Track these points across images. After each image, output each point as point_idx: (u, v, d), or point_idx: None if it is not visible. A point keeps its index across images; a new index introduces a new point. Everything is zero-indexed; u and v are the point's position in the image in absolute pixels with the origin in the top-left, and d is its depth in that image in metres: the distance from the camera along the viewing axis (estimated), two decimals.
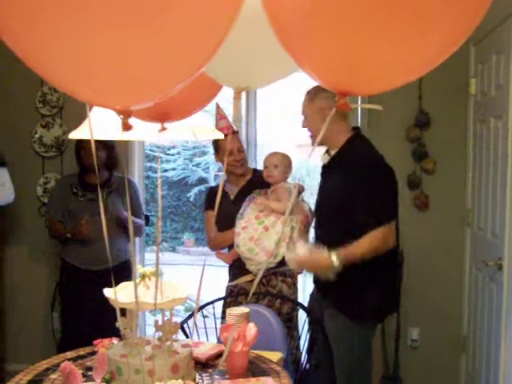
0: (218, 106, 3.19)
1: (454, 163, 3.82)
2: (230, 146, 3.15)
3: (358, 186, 2.43)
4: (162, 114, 1.64)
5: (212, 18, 1.09)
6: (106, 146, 3.60)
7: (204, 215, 3.45)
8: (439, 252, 3.85)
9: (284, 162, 3.05)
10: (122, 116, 1.19)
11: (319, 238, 2.70)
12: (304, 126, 2.66)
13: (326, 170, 2.66)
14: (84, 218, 3.48)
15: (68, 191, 3.67)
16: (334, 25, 1.09)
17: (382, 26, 1.08)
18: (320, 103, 2.55)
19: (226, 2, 1.10)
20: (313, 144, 2.69)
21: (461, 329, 3.85)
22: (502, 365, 2.97)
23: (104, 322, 3.42)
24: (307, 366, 2.74)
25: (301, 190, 3.06)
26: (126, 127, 1.20)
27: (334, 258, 2.38)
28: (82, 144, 3.61)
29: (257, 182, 3.21)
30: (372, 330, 2.64)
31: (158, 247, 1.61)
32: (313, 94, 2.60)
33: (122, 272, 3.64)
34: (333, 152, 2.61)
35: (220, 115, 3.15)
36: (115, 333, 2.41)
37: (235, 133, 3.21)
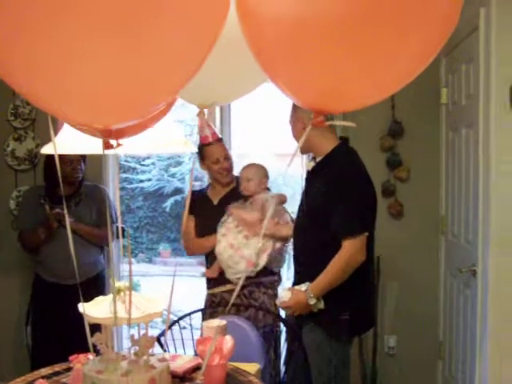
0: (201, 114, 3.15)
1: (428, 171, 3.87)
2: (216, 154, 3.12)
3: (335, 195, 2.45)
4: (114, 132, 1.62)
5: (195, 37, 1.09)
6: (84, 157, 3.59)
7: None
8: (414, 259, 3.89)
9: (258, 174, 3.05)
10: (102, 135, 1.18)
11: (296, 246, 2.71)
12: (292, 135, 2.70)
13: (310, 176, 2.68)
14: (53, 211, 3.46)
15: (37, 202, 3.60)
16: (311, 48, 1.12)
17: (356, 49, 1.12)
18: (300, 113, 2.58)
19: (208, 21, 1.10)
20: (298, 152, 2.73)
21: (437, 335, 3.89)
22: (478, 369, 3.00)
23: (76, 336, 3.40)
24: (284, 378, 2.74)
25: (282, 199, 3.05)
26: (107, 146, 1.19)
27: (311, 300, 2.48)
28: (62, 157, 3.56)
29: (239, 190, 3.17)
30: (349, 342, 2.66)
31: (131, 261, 1.60)
32: (295, 104, 2.63)
33: (96, 285, 3.61)
34: (318, 159, 2.63)
35: (204, 122, 3.12)
36: (88, 348, 2.38)
37: (220, 140, 3.19)
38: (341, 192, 2.46)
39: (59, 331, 3.42)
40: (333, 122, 1.32)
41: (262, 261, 2.97)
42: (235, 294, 1.69)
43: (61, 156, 3.46)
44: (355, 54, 1.13)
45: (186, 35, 1.06)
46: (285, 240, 3.00)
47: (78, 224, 3.48)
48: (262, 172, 3.08)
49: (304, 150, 2.71)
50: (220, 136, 3.28)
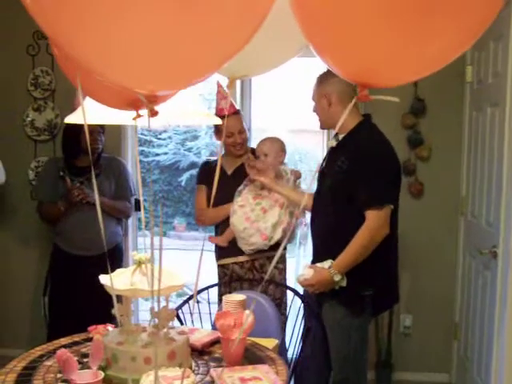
0: (219, 86, 3.09)
1: (449, 151, 3.82)
2: (230, 128, 3.08)
3: (360, 170, 2.43)
4: (134, 101, 1.59)
5: (246, 10, 1.05)
6: (103, 128, 3.56)
7: (196, 188, 3.35)
8: (433, 239, 3.86)
9: (273, 149, 3.02)
10: (147, 101, 1.15)
11: (316, 224, 2.69)
12: (313, 111, 2.68)
13: (333, 153, 2.65)
14: (74, 186, 3.45)
15: (57, 175, 3.58)
16: (360, 21, 1.10)
17: (404, 23, 1.11)
18: (327, 88, 2.56)
19: None
20: (321, 128, 2.71)
21: (453, 316, 3.87)
22: (495, 351, 2.99)
23: (93, 307, 3.43)
24: (301, 354, 2.74)
25: (298, 176, 3.03)
26: (152, 113, 1.16)
27: (335, 277, 2.44)
28: (82, 127, 3.55)
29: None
30: (369, 320, 2.64)
31: (161, 231, 1.59)
32: (321, 80, 2.63)
33: (114, 257, 3.62)
34: (341, 136, 2.61)
35: (221, 95, 3.08)
36: (106, 320, 2.39)
37: (237, 113, 3.17)
38: (366, 166, 2.44)
39: (76, 302, 3.44)
40: (377, 97, 1.29)
41: (277, 235, 2.96)
42: (270, 270, 1.68)
43: (81, 126, 3.47)
44: (403, 29, 1.12)
45: (240, 4, 1.02)
46: (302, 210, 2.97)
47: (100, 197, 3.47)
48: (278, 146, 3.05)
49: (326, 126, 2.69)
50: (238, 108, 3.24)
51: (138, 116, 1.67)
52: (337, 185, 2.51)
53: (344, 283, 2.47)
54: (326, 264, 2.48)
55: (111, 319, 3.01)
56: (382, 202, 2.43)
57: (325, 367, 2.61)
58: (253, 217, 2.96)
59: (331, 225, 2.55)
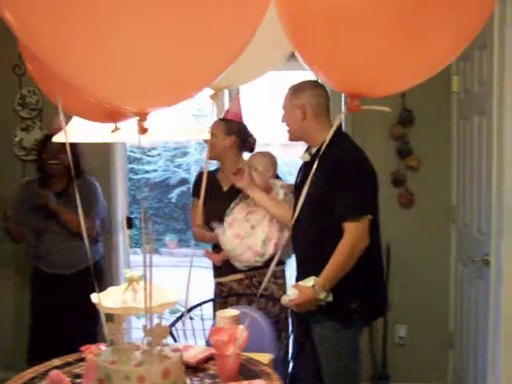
0: (237, 93, 3.17)
1: (439, 160, 3.84)
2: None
3: (334, 182, 2.39)
4: (112, 114, 1.59)
5: (241, 22, 1.05)
6: (71, 149, 3.48)
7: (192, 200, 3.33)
8: (425, 249, 3.86)
9: (263, 162, 3.02)
10: (138, 118, 1.15)
11: (296, 238, 2.66)
12: (283, 121, 2.63)
13: (307, 167, 2.63)
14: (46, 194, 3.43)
15: (31, 199, 3.51)
16: (350, 34, 1.12)
17: (394, 33, 1.13)
18: (302, 100, 2.53)
19: (252, 8, 1.06)
20: (289, 140, 2.67)
21: (448, 325, 3.87)
22: (491, 359, 2.98)
23: (78, 327, 3.40)
24: (293, 369, 2.73)
25: (290, 189, 3.02)
26: (142, 130, 1.15)
27: (321, 294, 2.40)
28: (43, 145, 3.50)
29: None
30: (360, 331, 2.61)
31: (150, 248, 1.58)
32: (296, 90, 2.58)
33: (94, 273, 3.56)
34: (313, 150, 2.58)
35: (237, 99, 3.13)
36: (90, 338, 2.37)
37: (224, 120, 3.13)
38: (340, 178, 2.40)
39: (57, 321, 3.42)
40: (368, 107, 1.29)
41: (269, 250, 2.94)
42: (264, 283, 1.67)
43: (44, 144, 3.43)
44: (393, 38, 1.13)
45: (232, 19, 1.02)
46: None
47: (61, 208, 3.43)
48: (268, 160, 3.05)
49: (295, 138, 2.64)
50: (228, 118, 3.20)
51: (117, 129, 1.67)
52: (314, 199, 2.45)
53: (330, 298, 2.43)
54: (310, 282, 2.43)
55: (95, 338, 2.99)
56: (359, 214, 2.39)
57: (318, 382, 2.58)
58: (242, 234, 2.95)
59: (312, 239, 2.52)
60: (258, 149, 3.24)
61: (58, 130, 3.35)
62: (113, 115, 1.56)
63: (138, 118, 1.16)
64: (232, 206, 3.04)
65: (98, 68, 1.05)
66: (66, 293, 3.45)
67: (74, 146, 3.39)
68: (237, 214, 3.01)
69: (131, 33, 0.98)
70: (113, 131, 1.62)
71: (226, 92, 3.90)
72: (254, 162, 3.03)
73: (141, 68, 1.03)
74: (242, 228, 2.96)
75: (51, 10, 0.95)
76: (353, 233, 2.38)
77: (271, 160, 3.07)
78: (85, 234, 1.60)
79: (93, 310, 3.41)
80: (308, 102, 2.52)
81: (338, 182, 2.40)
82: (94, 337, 3.37)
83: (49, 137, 3.39)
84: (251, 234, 2.95)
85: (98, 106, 1.31)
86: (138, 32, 0.98)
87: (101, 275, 3.67)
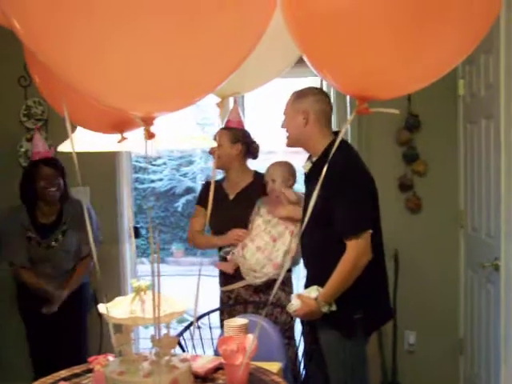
0: (235, 101, 3.19)
1: (446, 165, 3.81)
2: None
3: (333, 196, 2.35)
4: (118, 124, 1.57)
5: (244, 28, 1.04)
6: (62, 173, 3.42)
7: (195, 209, 3.32)
8: (433, 254, 3.83)
9: (281, 173, 2.99)
10: (144, 123, 1.14)
11: (304, 248, 2.66)
12: (283, 126, 2.61)
13: (308, 178, 2.61)
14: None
15: (22, 231, 3.41)
16: (357, 32, 1.12)
17: (402, 37, 1.13)
18: (305, 106, 2.51)
19: (258, 13, 1.05)
20: (287, 145, 2.64)
21: (457, 331, 3.83)
22: (503, 364, 2.94)
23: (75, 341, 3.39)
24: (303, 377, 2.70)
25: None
26: (149, 135, 1.14)
27: (323, 308, 2.41)
28: (36, 172, 3.37)
29: (257, 185, 3.11)
30: (365, 340, 2.58)
31: (158, 257, 1.56)
32: (299, 96, 2.56)
33: (80, 294, 3.54)
34: (314, 159, 2.56)
35: (236, 107, 3.12)
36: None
37: (228, 129, 3.12)
38: (337, 192, 2.37)
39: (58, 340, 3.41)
40: (377, 109, 1.29)
41: (287, 263, 2.93)
42: (274, 291, 1.66)
43: (36, 171, 3.37)
44: (401, 40, 1.13)
45: (238, 24, 1.02)
46: None
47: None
48: (285, 169, 3.01)
49: (294, 144, 2.61)
50: (231, 126, 3.19)
51: (123, 139, 1.66)
52: (316, 211, 2.43)
53: (334, 308, 2.42)
54: (313, 293, 2.43)
55: (84, 355, 2.99)
56: (359, 230, 2.38)
57: None
58: (263, 246, 2.93)
59: (317, 248, 2.52)
60: (261, 156, 3.24)
61: (36, 153, 3.37)
62: (119, 125, 1.56)
63: (144, 124, 1.15)
64: (252, 217, 3.02)
65: (105, 72, 1.04)
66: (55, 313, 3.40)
67: (61, 167, 3.39)
68: (258, 227, 2.98)
69: (137, 37, 0.97)
70: (119, 141, 1.61)
71: (231, 100, 3.89)
72: (270, 173, 3.00)
73: (147, 72, 1.03)
74: (263, 240, 2.94)
75: (56, 13, 0.95)
76: (355, 249, 2.38)
77: (289, 169, 3.03)
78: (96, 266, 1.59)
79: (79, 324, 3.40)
80: (311, 107, 2.50)
81: (336, 197, 2.38)
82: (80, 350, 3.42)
83: (38, 162, 3.36)
84: (272, 246, 2.93)
85: (104, 117, 1.30)
86: (144, 36, 0.97)
87: (86, 296, 3.63)
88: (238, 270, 3.03)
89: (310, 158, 2.61)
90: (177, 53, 1.00)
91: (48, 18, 0.96)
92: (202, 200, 3.21)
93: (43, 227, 3.44)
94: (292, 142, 2.60)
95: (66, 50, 1.02)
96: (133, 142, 1.69)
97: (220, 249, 3.17)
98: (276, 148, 7.93)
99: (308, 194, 2.59)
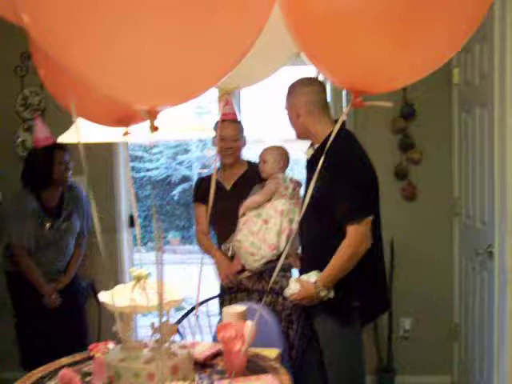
0: (222, 98, 3.15)
1: (441, 153, 3.84)
2: (224, 132, 3.07)
3: (334, 182, 2.39)
4: (123, 118, 1.60)
5: (244, 23, 1.07)
6: (69, 155, 3.47)
7: (194, 207, 3.33)
8: (428, 242, 3.87)
9: (273, 156, 3.03)
10: (148, 117, 1.16)
11: (303, 234, 2.69)
12: (289, 121, 2.66)
13: (310, 164, 2.64)
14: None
15: (34, 218, 3.42)
16: (353, 27, 1.15)
17: (395, 31, 1.16)
18: (294, 100, 2.55)
19: (257, 8, 1.08)
20: (297, 138, 2.69)
21: (452, 317, 3.88)
22: (496, 350, 2.99)
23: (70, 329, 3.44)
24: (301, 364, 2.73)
25: (298, 185, 3.03)
26: (154, 128, 1.17)
27: (321, 292, 2.44)
28: (53, 157, 3.40)
29: (252, 174, 3.15)
30: (360, 329, 2.62)
31: (161, 245, 1.59)
32: (289, 91, 2.60)
33: (72, 283, 3.61)
34: (316, 146, 2.59)
35: (226, 101, 3.11)
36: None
37: (236, 122, 3.17)
38: (339, 178, 2.40)
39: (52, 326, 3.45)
40: (371, 103, 1.32)
41: (282, 242, 2.95)
42: (274, 276, 1.71)
43: (54, 156, 3.40)
44: (396, 35, 1.16)
45: (238, 18, 1.04)
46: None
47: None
48: (277, 153, 3.05)
49: (301, 136, 2.66)
50: (238, 119, 3.23)
51: (128, 133, 1.68)
52: (315, 198, 2.45)
53: (331, 295, 2.46)
54: (312, 277, 2.47)
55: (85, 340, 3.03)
56: (360, 216, 2.41)
57: (321, 379, 2.59)
58: (256, 229, 2.96)
59: (316, 235, 2.55)
60: (254, 145, 3.28)
61: (43, 139, 3.39)
62: (124, 119, 1.58)
63: (149, 117, 1.17)
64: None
65: (111, 67, 1.06)
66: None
67: (65, 150, 3.41)
68: (250, 212, 3.01)
69: (143, 33, 1.00)
70: (124, 135, 1.63)
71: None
72: (263, 154, 3.05)
73: (152, 66, 1.06)
74: (255, 224, 2.97)
75: (65, 8, 0.97)
76: (354, 235, 2.40)
77: (281, 153, 3.08)
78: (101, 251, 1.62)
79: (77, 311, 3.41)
80: (298, 100, 2.54)
81: (338, 185, 2.41)
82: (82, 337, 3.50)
83: (52, 147, 3.39)
84: (265, 228, 2.96)
85: (109, 110, 1.32)
86: (149, 32, 1.00)
87: (78, 284, 3.70)
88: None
89: (312, 144, 2.64)
90: (180, 47, 1.02)
91: (58, 12, 0.98)
92: (199, 197, 3.24)
93: (51, 211, 3.48)
94: (297, 135, 2.66)
95: (74, 45, 1.04)
96: (131, 133, 1.72)
97: (219, 243, 3.20)
98: (271, 137, 7.97)
99: (309, 180, 2.62)
